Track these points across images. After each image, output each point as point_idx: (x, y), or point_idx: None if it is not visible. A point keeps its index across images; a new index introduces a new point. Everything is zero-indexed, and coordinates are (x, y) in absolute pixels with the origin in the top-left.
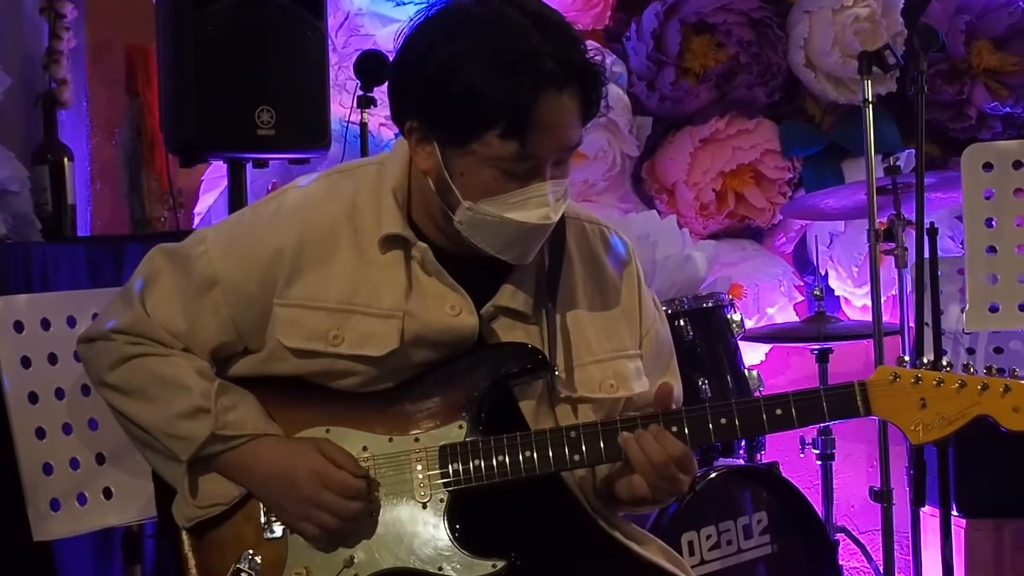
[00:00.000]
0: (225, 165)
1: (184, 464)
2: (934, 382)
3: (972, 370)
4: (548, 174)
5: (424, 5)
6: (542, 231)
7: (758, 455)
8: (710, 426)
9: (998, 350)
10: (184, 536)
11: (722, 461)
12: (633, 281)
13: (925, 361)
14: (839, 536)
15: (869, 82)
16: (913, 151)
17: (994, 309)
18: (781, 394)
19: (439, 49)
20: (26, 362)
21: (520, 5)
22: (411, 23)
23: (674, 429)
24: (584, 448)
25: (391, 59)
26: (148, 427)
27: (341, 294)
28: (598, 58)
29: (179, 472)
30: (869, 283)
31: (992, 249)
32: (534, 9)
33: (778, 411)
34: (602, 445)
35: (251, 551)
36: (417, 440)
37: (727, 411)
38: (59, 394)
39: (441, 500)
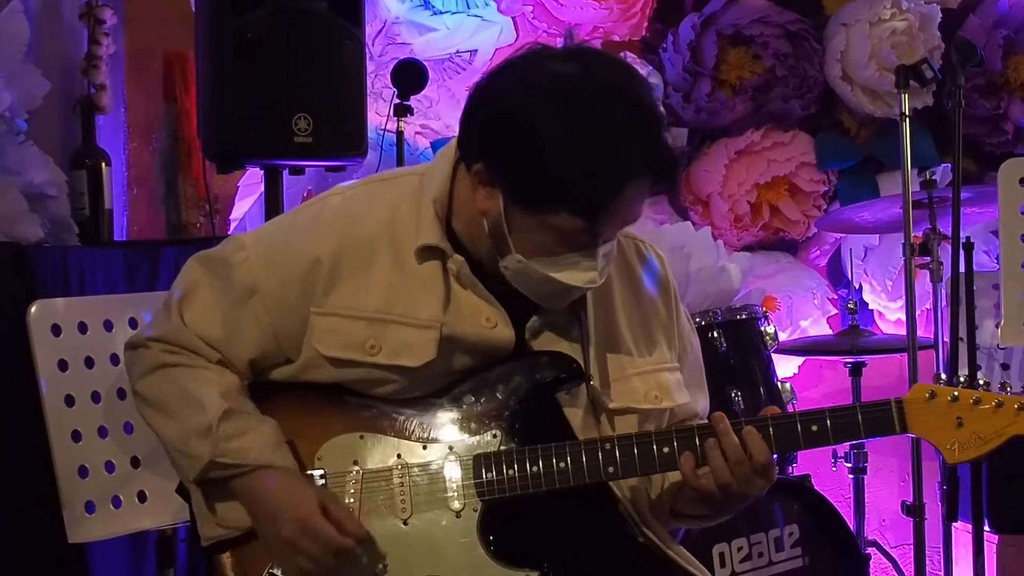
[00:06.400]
0: (261, 172)
1: (193, 483)
2: (971, 401)
3: (1009, 389)
4: (602, 240)
5: (460, 14)
6: (579, 292)
7: (790, 468)
8: None
9: None
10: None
11: None
12: (669, 295)
13: (961, 379)
14: (870, 550)
15: (906, 96)
16: (949, 165)
17: None
18: (817, 410)
19: (530, 115)
20: (63, 365)
21: (618, 89)
22: (509, 63)
23: (710, 442)
24: (618, 459)
25: (472, 90)
26: (164, 440)
27: (379, 303)
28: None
29: (192, 488)
30: (904, 297)
31: None
32: (631, 95)
33: (814, 427)
34: (637, 457)
35: None
36: (451, 448)
37: (763, 426)
38: (95, 397)
39: (475, 509)
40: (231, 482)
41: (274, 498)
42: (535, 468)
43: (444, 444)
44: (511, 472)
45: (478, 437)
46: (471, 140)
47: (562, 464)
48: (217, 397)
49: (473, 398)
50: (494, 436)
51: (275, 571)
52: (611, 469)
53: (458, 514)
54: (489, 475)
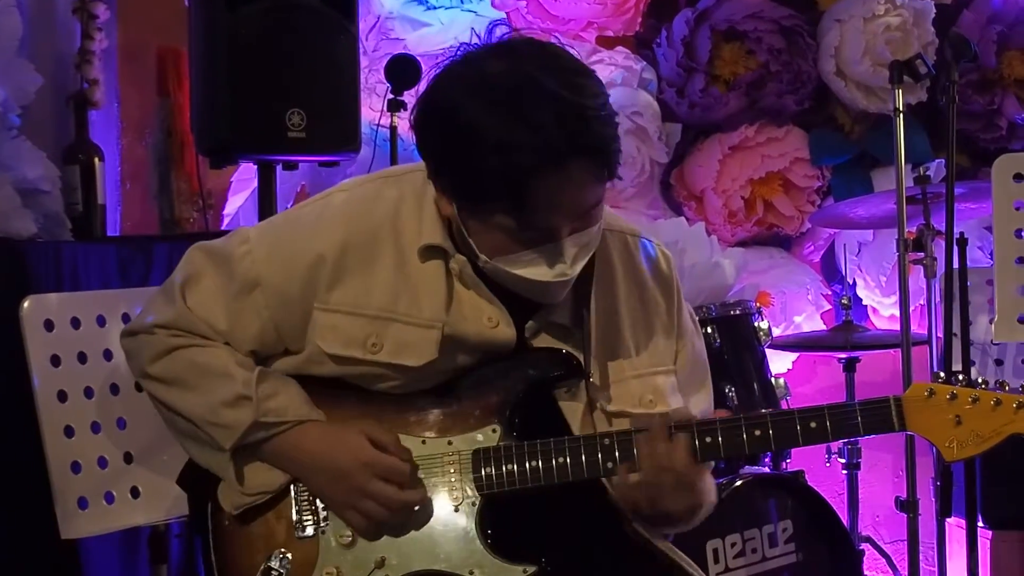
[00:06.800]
0: (255, 167)
1: (228, 453)
2: (970, 399)
3: (1007, 388)
4: (565, 233)
5: (453, 9)
6: (561, 285)
7: (784, 463)
8: (744, 437)
9: None
10: (215, 532)
11: (748, 469)
12: (672, 295)
13: (960, 378)
14: (864, 546)
15: (900, 91)
16: (943, 161)
17: (1023, 320)
18: (816, 407)
19: (455, 113)
20: (56, 361)
21: (540, 80)
22: (442, 63)
23: (708, 440)
24: (617, 455)
25: (419, 96)
26: (191, 416)
27: (382, 301)
28: (610, 127)
29: (223, 460)
30: (897, 293)
31: (1021, 260)
32: (552, 85)
33: (812, 424)
34: (636, 453)
35: (282, 549)
36: (451, 443)
37: (761, 423)
38: (88, 393)
39: (473, 504)
40: (268, 443)
41: (327, 450)
42: (534, 463)
43: (443, 438)
44: (510, 467)
45: (477, 432)
46: (420, 149)
47: (561, 460)
48: (237, 365)
49: (473, 393)
50: (493, 431)
51: (271, 563)
52: (610, 465)
53: (457, 508)
54: (488, 470)
